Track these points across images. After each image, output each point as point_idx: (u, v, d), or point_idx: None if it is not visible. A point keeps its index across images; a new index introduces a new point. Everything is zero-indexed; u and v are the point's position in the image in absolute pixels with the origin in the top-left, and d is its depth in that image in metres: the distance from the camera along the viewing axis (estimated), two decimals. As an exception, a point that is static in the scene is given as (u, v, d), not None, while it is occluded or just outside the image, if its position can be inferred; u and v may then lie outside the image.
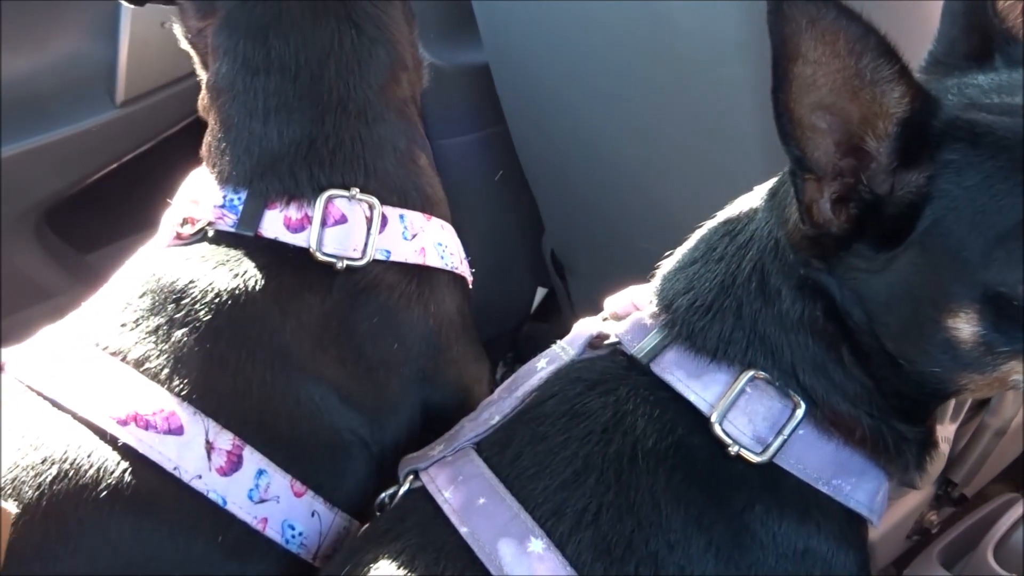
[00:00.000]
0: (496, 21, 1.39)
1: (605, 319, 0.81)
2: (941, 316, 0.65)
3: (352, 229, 0.82)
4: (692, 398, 0.72)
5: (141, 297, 0.81)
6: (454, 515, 0.70)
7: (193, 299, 0.79)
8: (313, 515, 0.79)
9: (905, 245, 0.65)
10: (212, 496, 0.75)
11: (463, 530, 0.69)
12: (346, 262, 0.82)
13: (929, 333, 0.66)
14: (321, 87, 0.83)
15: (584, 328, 0.80)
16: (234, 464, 0.76)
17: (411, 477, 0.76)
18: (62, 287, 1.41)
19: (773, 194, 0.75)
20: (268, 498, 0.77)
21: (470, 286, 0.95)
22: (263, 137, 0.83)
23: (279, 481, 0.78)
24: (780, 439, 0.71)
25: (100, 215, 1.50)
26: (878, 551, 1.37)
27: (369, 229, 0.83)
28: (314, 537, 0.80)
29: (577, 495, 0.70)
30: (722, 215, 0.79)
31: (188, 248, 0.83)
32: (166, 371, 0.77)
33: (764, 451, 0.70)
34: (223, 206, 0.83)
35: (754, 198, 0.77)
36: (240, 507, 0.76)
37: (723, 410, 0.71)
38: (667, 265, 0.80)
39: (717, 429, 0.71)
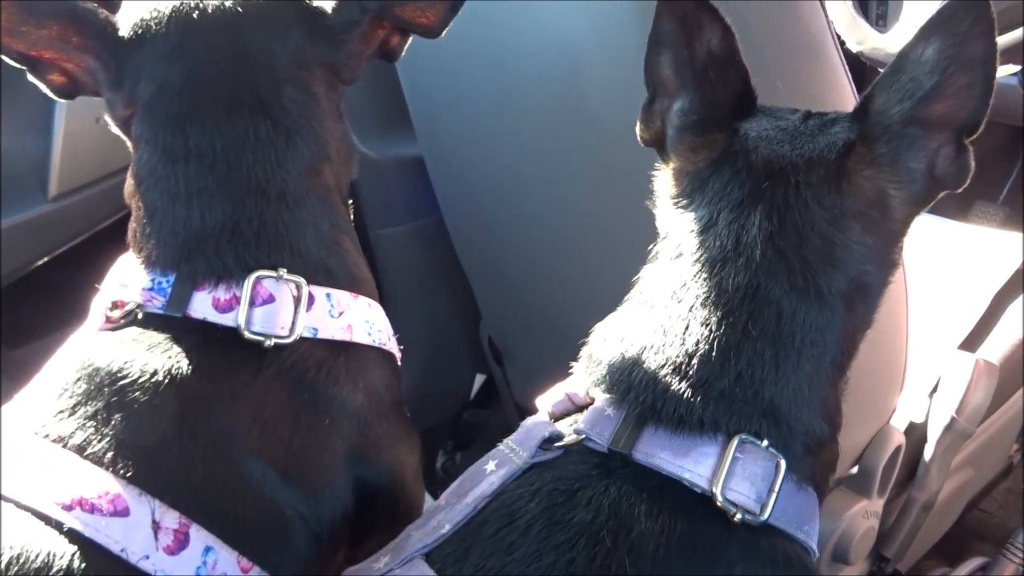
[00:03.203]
0: (429, 114, 1.44)
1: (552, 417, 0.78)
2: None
3: (280, 308, 0.83)
4: (687, 476, 0.69)
5: (76, 383, 0.80)
6: None
7: (129, 381, 0.79)
8: None
9: None
10: None
11: None
12: (274, 340, 0.83)
13: None
14: (239, 173, 0.85)
15: (535, 429, 0.76)
16: (181, 543, 0.75)
17: None
18: (-14, 384, 1.36)
19: (780, 208, 0.73)
20: (216, 575, 0.76)
21: (399, 363, 0.95)
22: (187, 220, 0.85)
23: (226, 557, 0.77)
24: (773, 496, 0.70)
25: (29, 310, 1.47)
26: (817, 630, 1.37)
27: (296, 308, 0.84)
28: None
29: None
30: (661, 273, 0.77)
31: (119, 332, 0.83)
32: (109, 454, 0.76)
33: (762, 511, 0.69)
34: (151, 289, 0.84)
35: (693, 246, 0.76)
36: None
37: (723, 481, 0.69)
38: (603, 344, 0.78)
39: (719, 501, 0.68)
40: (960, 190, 0.74)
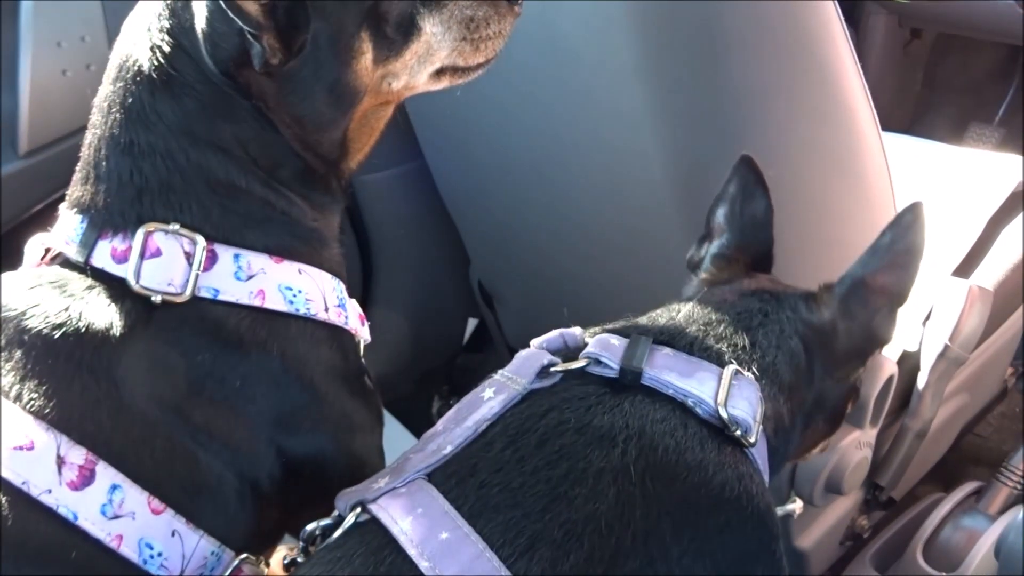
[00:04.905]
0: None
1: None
2: None
3: (168, 263, 0.81)
4: (695, 391, 0.77)
5: None
6: (413, 548, 0.67)
7: (26, 318, 0.79)
8: (174, 535, 0.77)
9: None
10: (62, 511, 0.73)
11: (423, 564, 0.67)
12: (162, 296, 0.81)
13: None
14: (120, 128, 0.83)
15: (532, 357, 0.79)
16: (86, 478, 0.74)
17: (358, 510, 0.72)
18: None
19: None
20: (123, 514, 0.75)
21: (356, 337, 0.93)
22: (95, 169, 0.85)
23: (135, 496, 0.76)
24: (758, 425, 0.78)
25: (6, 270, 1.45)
26: (812, 559, 1.39)
27: (190, 264, 0.82)
28: (176, 559, 0.77)
29: (556, 524, 0.68)
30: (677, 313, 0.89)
31: (27, 272, 0.84)
32: (15, 388, 0.76)
33: (752, 435, 0.78)
34: (69, 233, 0.85)
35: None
36: (92, 523, 0.74)
37: (724, 398, 0.77)
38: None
39: (723, 412, 0.76)
40: (880, 349, 0.95)
